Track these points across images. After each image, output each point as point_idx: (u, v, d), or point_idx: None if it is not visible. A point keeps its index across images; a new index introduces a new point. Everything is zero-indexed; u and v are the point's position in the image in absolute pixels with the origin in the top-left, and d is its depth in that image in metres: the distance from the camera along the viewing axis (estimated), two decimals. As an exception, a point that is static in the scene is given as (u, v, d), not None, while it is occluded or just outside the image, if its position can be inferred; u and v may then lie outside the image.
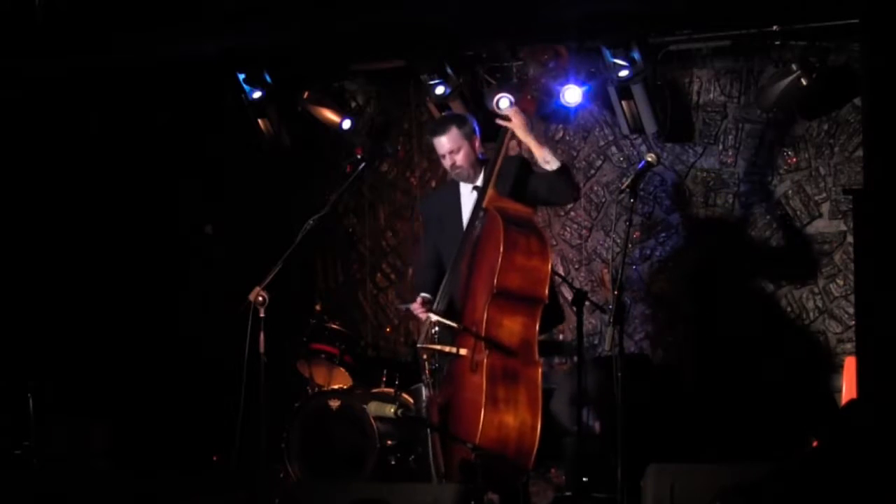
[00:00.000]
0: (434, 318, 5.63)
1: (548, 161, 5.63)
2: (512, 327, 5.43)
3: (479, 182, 5.79)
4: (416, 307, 5.88)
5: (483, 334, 5.39)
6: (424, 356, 5.60)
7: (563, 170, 5.66)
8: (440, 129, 5.89)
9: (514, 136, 5.70)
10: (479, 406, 5.33)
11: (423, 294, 5.94)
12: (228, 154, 8.18)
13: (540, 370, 5.44)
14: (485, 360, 5.35)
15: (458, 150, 5.83)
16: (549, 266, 5.48)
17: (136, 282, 8.00)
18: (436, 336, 5.65)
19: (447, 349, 5.57)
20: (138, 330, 7.91)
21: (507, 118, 5.69)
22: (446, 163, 5.87)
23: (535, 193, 5.74)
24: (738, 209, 7.31)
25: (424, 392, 5.70)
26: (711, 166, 7.36)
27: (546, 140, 7.33)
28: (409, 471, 6.58)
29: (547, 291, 5.46)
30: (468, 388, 5.47)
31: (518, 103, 5.78)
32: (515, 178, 5.75)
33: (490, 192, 5.61)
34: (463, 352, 5.49)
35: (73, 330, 7.75)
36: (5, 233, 7.69)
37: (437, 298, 5.71)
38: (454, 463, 5.40)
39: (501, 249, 5.38)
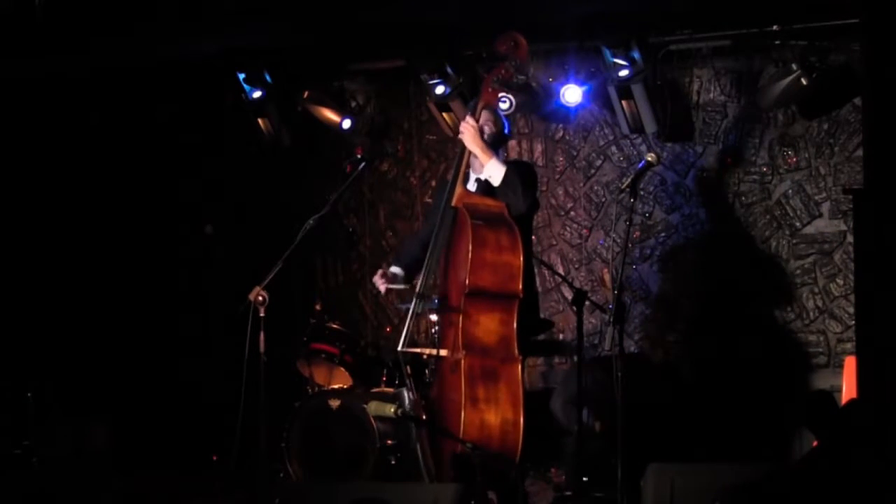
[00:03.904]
0: (384, 287, 5.94)
1: (491, 175, 5.64)
2: (489, 325, 5.46)
3: (482, 175, 5.79)
4: (377, 278, 5.97)
5: (461, 334, 5.42)
6: (424, 355, 5.61)
7: (507, 181, 5.63)
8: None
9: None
10: (459, 407, 5.37)
11: (391, 269, 6.04)
12: (228, 154, 8.18)
13: (520, 366, 5.45)
14: (462, 361, 5.38)
15: (487, 122, 5.81)
16: (521, 259, 5.49)
17: (136, 282, 8.01)
18: (436, 336, 5.68)
19: (426, 351, 5.61)
20: (138, 330, 7.91)
21: (461, 132, 5.73)
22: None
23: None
24: (738, 209, 7.31)
25: (407, 395, 5.72)
26: (711, 166, 7.36)
27: (548, 139, 7.32)
28: (408, 471, 6.58)
29: (521, 285, 5.47)
30: (450, 389, 5.53)
31: (481, 95, 5.79)
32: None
33: (458, 189, 5.63)
34: (443, 353, 5.54)
35: (73, 330, 7.75)
36: (5, 233, 7.70)
37: (420, 282, 5.76)
38: (444, 460, 5.43)
39: (470, 248, 5.44)
